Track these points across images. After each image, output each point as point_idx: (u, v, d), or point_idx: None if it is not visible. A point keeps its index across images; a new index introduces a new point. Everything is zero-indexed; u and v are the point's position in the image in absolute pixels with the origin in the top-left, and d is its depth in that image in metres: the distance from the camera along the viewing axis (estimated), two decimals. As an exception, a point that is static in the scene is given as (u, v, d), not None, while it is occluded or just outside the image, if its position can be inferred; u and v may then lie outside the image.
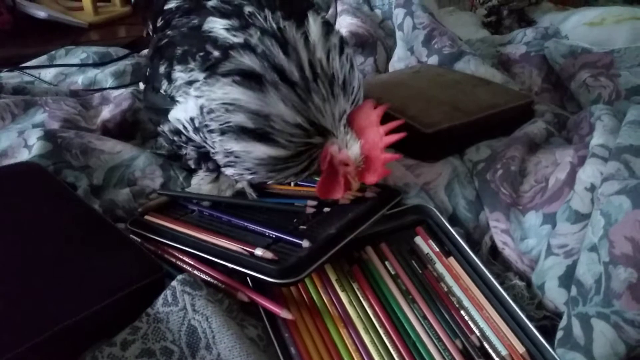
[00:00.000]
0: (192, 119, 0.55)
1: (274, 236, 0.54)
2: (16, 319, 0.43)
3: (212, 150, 0.56)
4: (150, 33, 0.72)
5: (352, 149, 0.52)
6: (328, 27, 0.55)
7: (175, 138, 0.62)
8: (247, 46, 0.51)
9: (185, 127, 0.57)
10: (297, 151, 0.53)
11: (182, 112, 0.56)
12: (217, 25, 0.54)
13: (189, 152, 0.64)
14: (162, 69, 0.58)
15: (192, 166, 0.67)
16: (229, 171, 0.56)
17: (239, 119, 0.50)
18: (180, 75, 0.55)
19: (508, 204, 0.61)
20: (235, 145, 0.52)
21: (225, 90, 0.51)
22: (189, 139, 0.60)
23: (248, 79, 0.50)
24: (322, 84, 0.52)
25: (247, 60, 0.50)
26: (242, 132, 0.51)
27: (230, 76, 0.51)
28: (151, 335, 0.45)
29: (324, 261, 0.50)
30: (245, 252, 0.51)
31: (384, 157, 0.53)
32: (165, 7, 0.63)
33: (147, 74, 0.63)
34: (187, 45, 0.55)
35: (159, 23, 0.64)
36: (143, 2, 0.75)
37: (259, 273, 0.48)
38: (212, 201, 0.63)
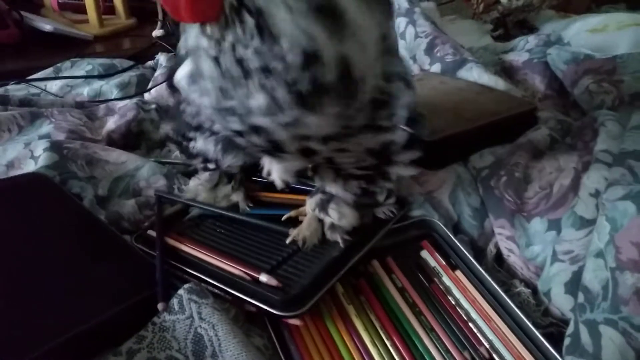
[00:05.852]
0: None
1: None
2: (22, 329, 0.43)
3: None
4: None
5: None
6: None
7: None
8: None
9: None
10: None
11: None
12: None
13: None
14: None
15: (198, 167, 0.64)
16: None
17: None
18: None
19: (512, 210, 0.61)
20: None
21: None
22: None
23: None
24: None
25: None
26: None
27: None
28: (157, 344, 0.45)
29: (329, 289, 0.50)
30: (249, 278, 0.50)
31: None
32: None
33: None
34: None
35: None
36: None
37: (263, 303, 0.48)
38: (206, 212, 0.62)
